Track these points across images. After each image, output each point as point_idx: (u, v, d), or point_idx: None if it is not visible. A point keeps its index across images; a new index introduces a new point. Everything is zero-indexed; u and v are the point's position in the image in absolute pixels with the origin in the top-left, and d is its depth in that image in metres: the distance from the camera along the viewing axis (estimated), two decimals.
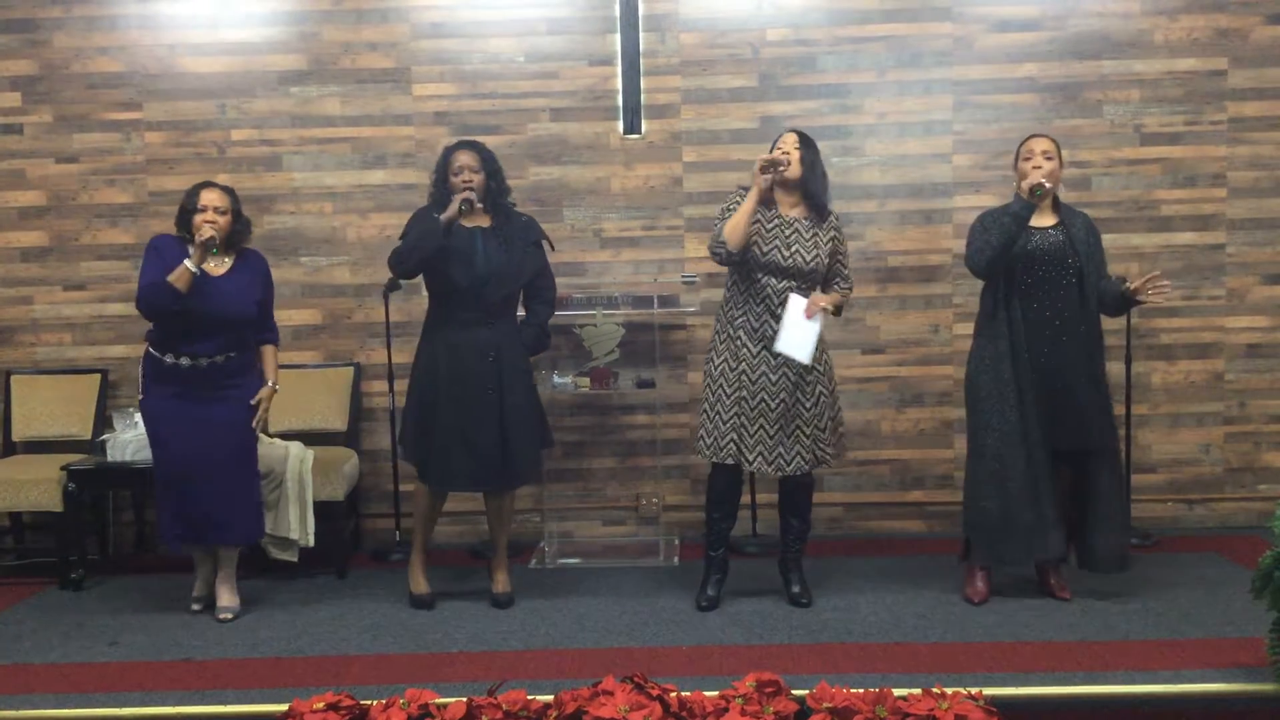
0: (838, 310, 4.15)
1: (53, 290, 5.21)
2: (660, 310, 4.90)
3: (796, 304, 3.96)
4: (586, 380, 4.91)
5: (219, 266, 4.08)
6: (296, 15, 5.13)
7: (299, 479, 4.56)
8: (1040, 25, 5.09)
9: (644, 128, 5.14)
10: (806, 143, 4.06)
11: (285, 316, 5.20)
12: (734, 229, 3.94)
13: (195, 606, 4.27)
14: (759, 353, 4.04)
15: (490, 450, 4.11)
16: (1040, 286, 4.04)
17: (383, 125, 5.14)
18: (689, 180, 5.16)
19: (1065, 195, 5.03)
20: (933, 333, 5.19)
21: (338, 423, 5.07)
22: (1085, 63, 5.09)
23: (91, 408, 5.06)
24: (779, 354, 3.97)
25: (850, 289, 4.21)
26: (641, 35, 5.09)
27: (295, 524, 4.53)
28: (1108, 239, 5.07)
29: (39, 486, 4.65)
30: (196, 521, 4.11)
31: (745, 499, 4.95)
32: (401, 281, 4.56)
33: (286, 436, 4.88)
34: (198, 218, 4.00)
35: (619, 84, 5.12)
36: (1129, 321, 4.91)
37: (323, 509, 4.64)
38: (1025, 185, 3.95)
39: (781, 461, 4.05)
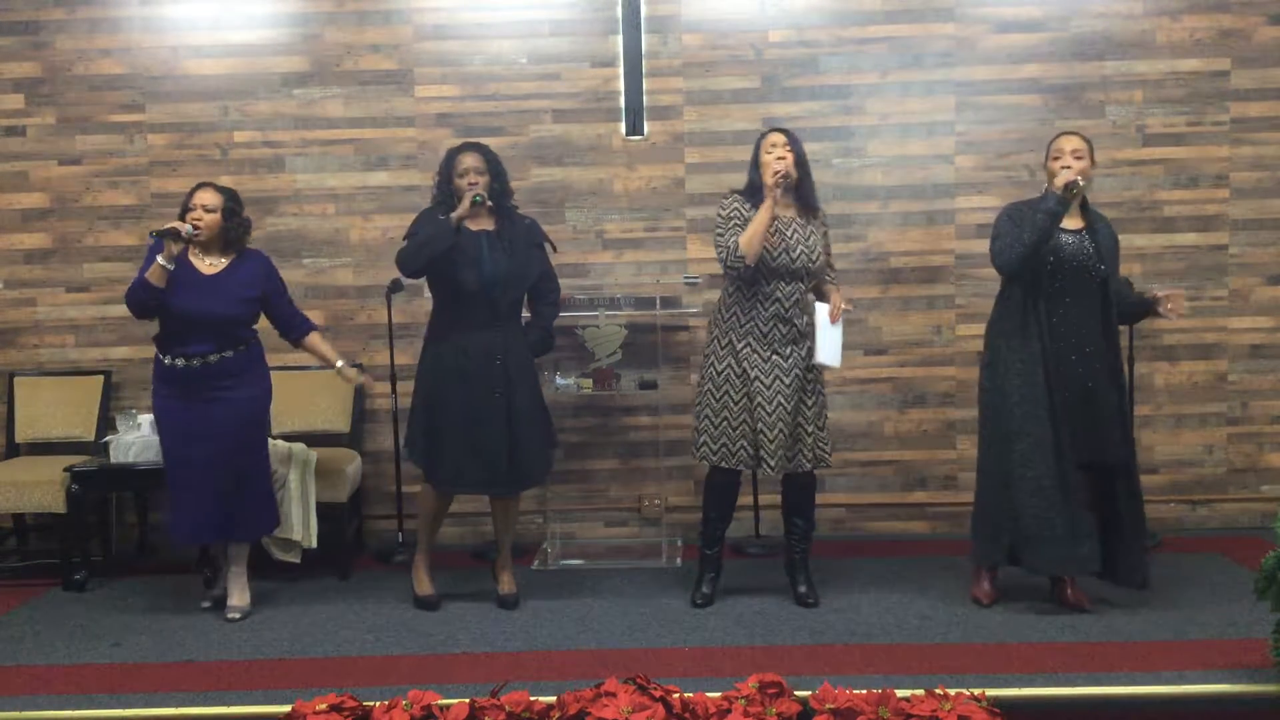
0: None
1: (56, 292, 5.22)
2: (663, 311, 4.90)
3: (822, 312, 4.03)
4: (589, 381, 4.91)
5: (213, 266, 4.09)
6: (299, 17, 5.14)
7: (302, 480, 4.56)
8: (1043, 26, 5.09)
9: (646, 129, 5.15)
10: (795, 142, 4.06)
11: None
12: (752, 243, 3.92)
13: (206, 604, 4.32)
14: (770, 357, 4.05)
15: (498, 453, 4.11)
16: (1066, 292, 3.95)
17: (385, 127, 5.14)
18: (691, 181, 5.16)
19: None
20: (935, 334, 5.18)
21: (340, 424, 5.07)
22: (1088, 64, 5.09)
23: (94, 409, 5.06)
24: (822, 365, 4.04)
25: (836, 278, 4.24)
26: (644, 37, 5.10)
27: (298, 525, 4.53)
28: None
29: (42, 488, 4.66)
30: (205, 520, 4.13)
31: (748, 500, 4.98)
32: (404, 282, 4.59)
33: (289, 438, 4.88)
34: (188, 216, 4.04)
35: (621, 85, 5.13)
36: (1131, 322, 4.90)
37: (325, 510, 4.64)
38: (1059, 182, 3.87)
39: (795, 459, 4.08)
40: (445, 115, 5.15)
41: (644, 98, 5.12)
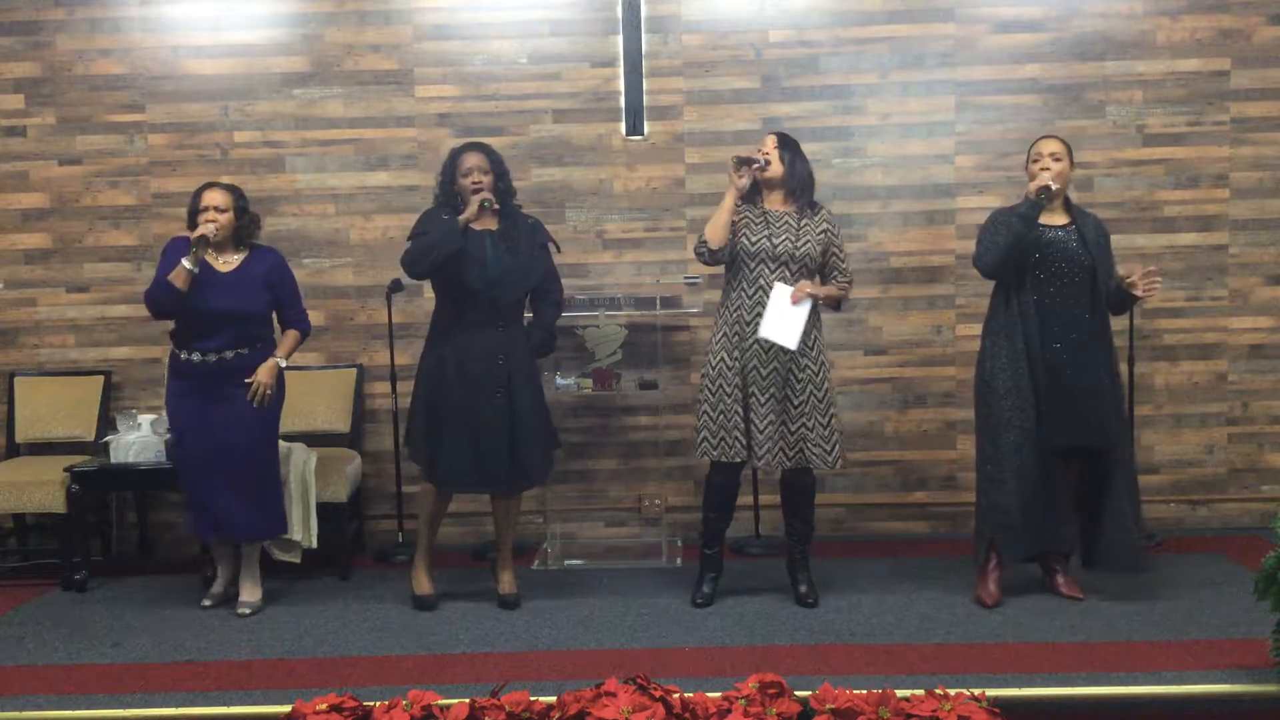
0: (837, 305, 4.23)
1: (56, 292, 5.22)
2: (663, 311, 4.90)
3: (781, 290, 4.04)
4: (589, 381, 4.91)
5: (226, 264, 4.14)
6: (299, 17, 5.13)
7: (302, 480, 4.56)
8: (1043, 26, 5.09)
9: (646, 129, 5.15)
10: (786, 143, 4.17)
11: None
12: (714, 227, 4.08)
13: (207, 602, 4.31)
14: (753, 344, 4.09)
15: (499, 452, 4.12)
16: (1054, 283, 4.06)
17: (385, 127, 5.14)
18: (691, 181, 5.16)
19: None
20: (935, 334, 5.18)
21: (341, 424, 5.07)
22: (1088, 63, 5.09)
23: (95, 409, 5.06)
24: (764, 340, 4.03)
25: (849, 284, 4.24)
26: (644, 37, 5.10)
27: (298, 525, 4.53)
28: (1111, 240, 5.10)
29: (42, 488, 4.66)
30: (217, 516, 4.17)
31: (748, 500, 4.98)
32: (405, 282, 4.60)
33: (290, 438, 4.87)
34: (200, 217, 4.07)
35: (621, 85, 5.13)
36: (1132, 322, 4.90)
37: (326, 510, 4.64)
38: (1033, 186, 4.03)
39: (784, 456, 4.09)
40: (445, 115, 5.15)
41: (644, 98, 5.12)
